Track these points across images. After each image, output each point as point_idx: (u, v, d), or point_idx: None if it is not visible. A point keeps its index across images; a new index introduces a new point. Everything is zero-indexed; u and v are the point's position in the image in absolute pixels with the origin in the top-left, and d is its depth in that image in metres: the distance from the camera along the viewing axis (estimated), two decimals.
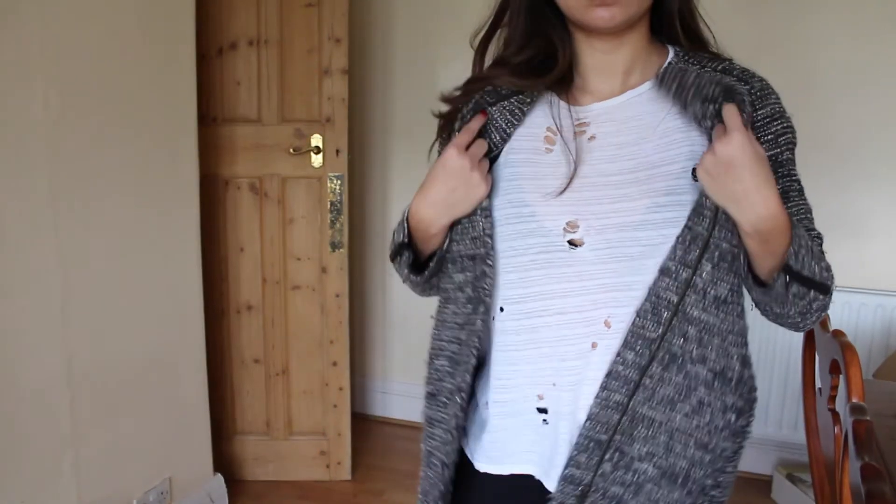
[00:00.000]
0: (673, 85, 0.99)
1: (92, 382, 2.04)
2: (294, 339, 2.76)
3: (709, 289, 0.95)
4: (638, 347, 0.94)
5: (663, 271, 0.94)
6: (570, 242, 0.98)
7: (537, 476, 1.05)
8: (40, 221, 1.87)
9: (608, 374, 0.95)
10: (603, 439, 0.95)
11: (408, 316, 3.24)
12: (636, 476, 0.97)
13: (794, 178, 1.02)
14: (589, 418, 0.96)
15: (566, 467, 0.97)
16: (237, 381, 2.77)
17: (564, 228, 0.98)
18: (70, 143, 1.92)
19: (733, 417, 1.00)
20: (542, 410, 1.02)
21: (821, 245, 1.02)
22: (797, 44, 2.65)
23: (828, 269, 0.95)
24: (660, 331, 0.94)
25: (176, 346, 2.36)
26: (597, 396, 0.95)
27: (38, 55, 1.83)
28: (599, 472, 0.96)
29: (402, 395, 3.23)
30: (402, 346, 3.31)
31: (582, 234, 0.97)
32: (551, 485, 1.02)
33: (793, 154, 1.02)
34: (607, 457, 0.96)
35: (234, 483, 2.72)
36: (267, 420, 2.80)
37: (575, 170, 0.99)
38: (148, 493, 2.26)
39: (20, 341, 1.85)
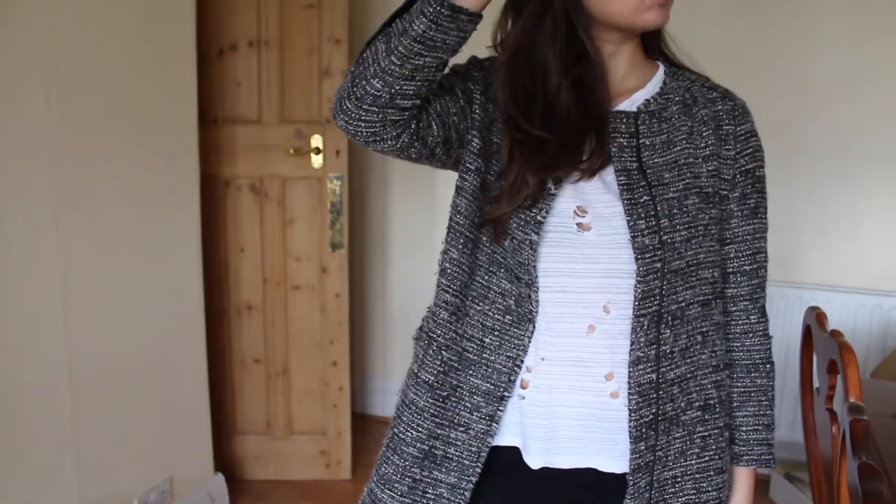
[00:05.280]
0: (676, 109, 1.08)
1: (93, 382, 2.04)
2: (294, 339, 2.76)
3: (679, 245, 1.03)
4: (645, 325, 1.01)
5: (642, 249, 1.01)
6: (579, 226, 1.02)
7: (520, 448, 1.09)
8: (41, 222, 1.88)
9: (634, 363, 1.01)
10: (650, 419, 1.02)
11: (408, 316, 3.25)
12: (686, 427, 1.06)
13: (765, 195, 1.10)
14: (631, 410, 1.02)
15: (631, 461, 1.03)
16: (238, 381, 2.78)
17: (574, 212, 1.03)
18: (71, 143, 1.93)
19: (722, 330, 1.11)
20: (523, 385, 1.06)
21: (766, 269, 1.12)
22: (794, 46, 2.66)
23: (769, 360, 1.13)
24: (656, 302, 1.01)
25: (177, 346, 2.36)
26: (630, 388, 1.02)
27: (39, 56, 1.83)
28: (658, 447, 1.04)
29: None
30: (402, 346, 3.31)
31: (590, 219, 1.02)
32: (531, 460, 1.07)
33: (764, 172, 1.10)
34: (661, 429, 1.04)
35: (235, 482, 2.72)
36: (267, 420, 2.80)
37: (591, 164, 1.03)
38: (149, 492, 2.26)
39: (21, 341, 1.85)
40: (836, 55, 2.61)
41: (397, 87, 0.94)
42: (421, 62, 0.93)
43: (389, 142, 0.99)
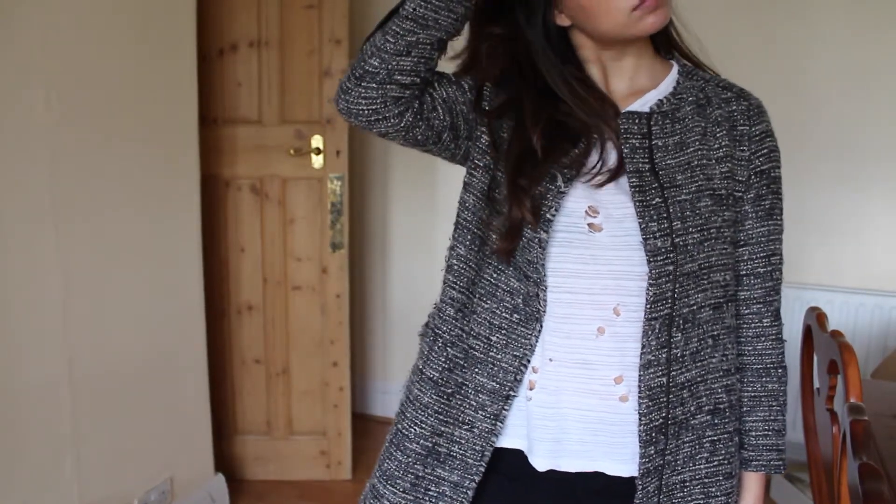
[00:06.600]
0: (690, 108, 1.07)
1: (93, 382, 2.04)
2: (294, 339, 2.76)
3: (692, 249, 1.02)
4: (656, 328, 1.00)
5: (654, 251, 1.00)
6: (590, 226, 1.02)
7: (525, 451, 1.08)
8: (41, 222, 1.88)
9: (644, 367, 1.00)
10: (660, 423, 1.02)
11: (408, 316, 3.25)
12: (695, 431, 1.06)
13: (781, 196, 1.10)
14: (641, 414, 1.01)
15: (640, 465, 1.02)
16: (238, 381, 2.78)
17: (586, 212, 1.02)
18: (71, 143, 1.93)
19: (734, 334, 1.10)
20: (530, 386, 1.06)
21: (780, 272, 1.13)
22: (794, 45, 2.66)
23: (781, 365, 1.13)
24: (668, 305, 1.00)
25: (177, 346, 2.36)
26: (640, 391, 1.01)
27: (40, 57, 1.83)
28: (667, 451, 1.03)
29: None
30: (402, 347, 3.31)
31: (602, 220, 1.02)
32: (538, 462, 1.06)
33: (780, 172, 1.09)
34: (671, 433, 1.03)
35: (235, 483, 2.72)
36: (267, 420, 2.81)
37: (602, 166, 1.03)
38: (149, 492, 2.26)
39: (21, 341, 1.85)
40: (836, 54, 2.61)
41: (394, 63, 0.95)
42: (414, 39, 0.94)
43: (392, 120, 0.99)
